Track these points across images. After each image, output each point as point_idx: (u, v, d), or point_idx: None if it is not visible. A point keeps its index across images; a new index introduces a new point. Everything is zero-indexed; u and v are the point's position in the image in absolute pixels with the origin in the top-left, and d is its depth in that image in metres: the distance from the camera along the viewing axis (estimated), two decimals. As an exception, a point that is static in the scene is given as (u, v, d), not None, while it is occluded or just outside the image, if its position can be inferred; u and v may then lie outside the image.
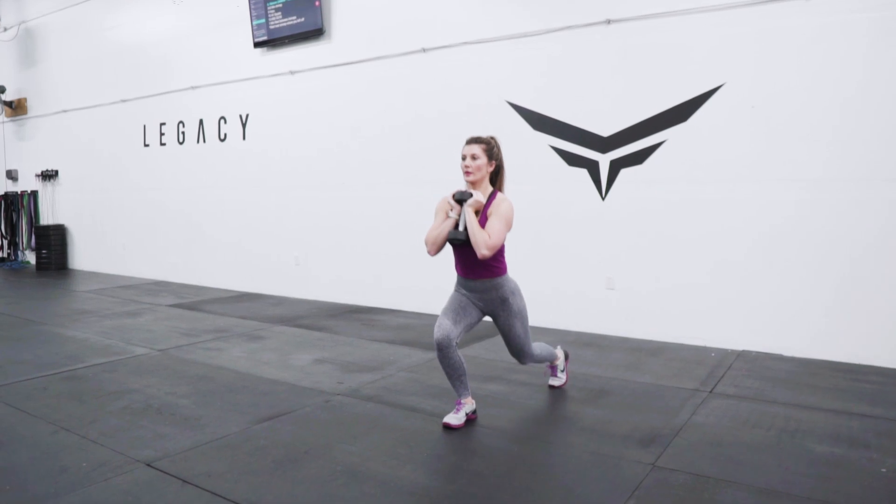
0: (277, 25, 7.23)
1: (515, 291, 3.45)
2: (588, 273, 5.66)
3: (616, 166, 5.47)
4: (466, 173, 3.32)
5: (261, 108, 7.75)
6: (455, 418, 3.32)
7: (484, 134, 3.43)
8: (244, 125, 7.92)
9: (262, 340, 5.32)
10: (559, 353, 3.98)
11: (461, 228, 3.25)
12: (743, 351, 4.90)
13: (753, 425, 3.37)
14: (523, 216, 5.86)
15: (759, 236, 4.89)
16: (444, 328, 3.24)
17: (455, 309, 3.38)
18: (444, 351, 3.23)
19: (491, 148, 3.34)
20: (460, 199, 3.27)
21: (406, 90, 6.59)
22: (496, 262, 3.36)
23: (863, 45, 4.47)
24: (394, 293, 6.78)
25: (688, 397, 3.84)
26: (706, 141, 5.04)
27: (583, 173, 5.62)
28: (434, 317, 6.16)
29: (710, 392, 3.93)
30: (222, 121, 8.13)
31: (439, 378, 4.17)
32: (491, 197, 3.36)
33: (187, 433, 3.28)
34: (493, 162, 3.36)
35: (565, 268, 5.76)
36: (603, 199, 5.55)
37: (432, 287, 6.43)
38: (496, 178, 3.45)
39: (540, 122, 5.80)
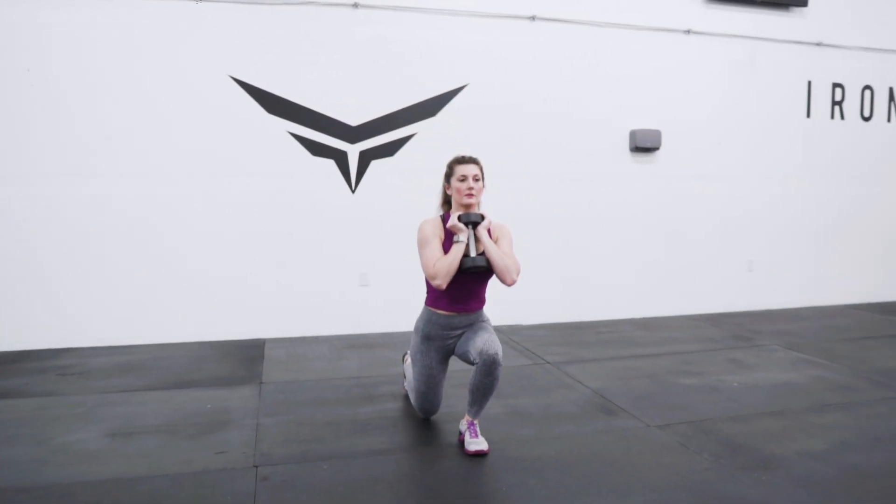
0: None
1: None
2: (341, 270, 5.33)
3: (366, 157, 5.31)
4: (469, 195, 2.95)
5: None
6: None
7: (469, 153, 3.12)
8: None
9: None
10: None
11: (473, 254, 2.87)
12: (513, 325, 5.55)
13: (630, 378, 4.06)
14: (266, 210, 5.11)
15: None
16: (435, 405, 3.21)
17: (433, 385, 3.13)
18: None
19: (482, 168, 3.06)
20: (469, 221, 2.90)
21: (70, 50, 4.70)
22: (484, 292, 3.12)
23: (580, 63, 5.63)
24: (45, 327, 4.82)
25: (548, 370, 4.25)
26: (454, 136, 5.39)
27: (330, 164, 5.24)
28: (135, 347, 4.90)
29: (548, 363, 4.44)
30: None
31: (332, 414, 3.49)
32: None
33: None
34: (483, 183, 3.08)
35: (316, 266, 5.27)
36: (353, 191, 5.31)
37: (105, 310, 4.96)
38: None
39: (276, 105, 5.09)
